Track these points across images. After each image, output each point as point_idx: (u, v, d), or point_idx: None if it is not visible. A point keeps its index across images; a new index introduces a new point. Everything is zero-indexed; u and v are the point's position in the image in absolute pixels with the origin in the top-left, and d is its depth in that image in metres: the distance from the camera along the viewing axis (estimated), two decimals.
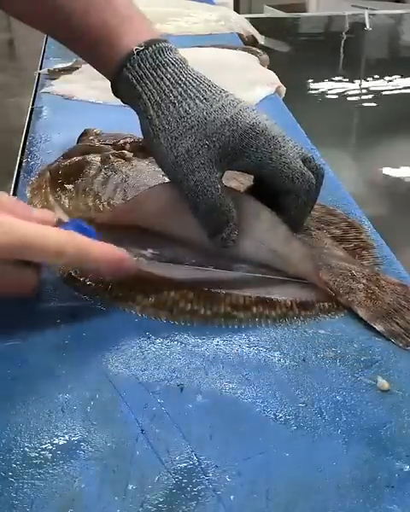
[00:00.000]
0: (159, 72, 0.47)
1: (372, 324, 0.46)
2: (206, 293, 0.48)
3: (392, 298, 0.48)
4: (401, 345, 0.45)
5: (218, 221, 0.47)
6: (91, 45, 0.51)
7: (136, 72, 0.48)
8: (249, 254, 0.50)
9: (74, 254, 0.42)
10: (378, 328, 0.46)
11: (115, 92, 0.52)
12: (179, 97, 0.47)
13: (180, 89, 0.47)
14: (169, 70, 0.48)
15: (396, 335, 0.45)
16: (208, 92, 0.47)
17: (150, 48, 0.48)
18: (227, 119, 0.46)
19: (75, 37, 0.52)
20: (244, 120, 0.46)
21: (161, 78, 0.47)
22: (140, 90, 0.48)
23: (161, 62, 0.48)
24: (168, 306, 0.47)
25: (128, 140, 0.68)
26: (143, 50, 0.48)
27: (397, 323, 0.46)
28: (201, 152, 0.45)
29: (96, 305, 0.47)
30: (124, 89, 0.50)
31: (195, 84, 0.47)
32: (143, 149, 0.65)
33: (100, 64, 0.52)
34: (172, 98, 0.47)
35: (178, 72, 0.48)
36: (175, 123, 0.46)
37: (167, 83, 0.47)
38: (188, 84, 0.47)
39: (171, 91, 0.47)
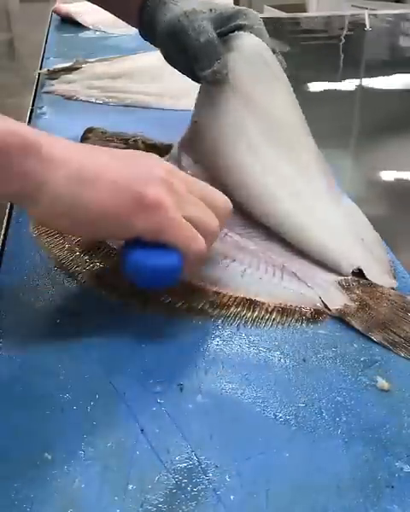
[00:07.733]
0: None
1: (368, 335, 0.45)
2: (189, 287, 0.48)
3: (387, 308, 0.47)
4: (402, 354, 0.44)
5: (211, 54, 0.58)
6: None
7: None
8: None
9: None
10: (376, 338, 0.45)
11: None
12: None
13: None
14: None
15: (395, 345, 0.44)
16: None
17: None
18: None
19: None
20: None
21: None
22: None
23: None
24: (143, 296, 0.47)
25: (138, 138, 0.68)
26: None
27: (394, 333, 0.45)
28: (204, 11, 0.59)
29: (72, 284, 0.48)
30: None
31: None
32: (153, 147, 0.66)
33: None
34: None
35: None
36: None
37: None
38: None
39: None
